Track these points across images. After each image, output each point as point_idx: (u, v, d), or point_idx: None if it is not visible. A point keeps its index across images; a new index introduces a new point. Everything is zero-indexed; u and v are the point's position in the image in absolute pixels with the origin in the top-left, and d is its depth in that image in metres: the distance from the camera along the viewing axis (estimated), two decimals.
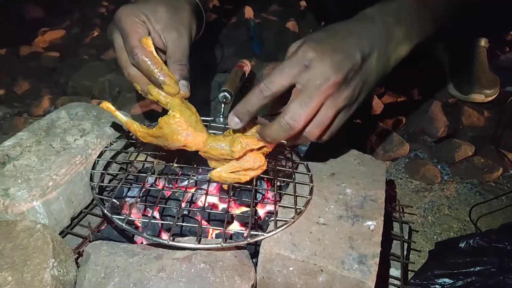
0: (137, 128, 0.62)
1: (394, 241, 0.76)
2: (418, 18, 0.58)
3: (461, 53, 1.28)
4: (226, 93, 0.81)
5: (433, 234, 0.92)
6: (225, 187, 0.66)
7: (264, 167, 0.62)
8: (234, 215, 0.68)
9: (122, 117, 0.64)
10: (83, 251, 0.60)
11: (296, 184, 0.67)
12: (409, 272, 0.78)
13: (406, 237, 0.77)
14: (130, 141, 0.75)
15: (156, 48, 0.62)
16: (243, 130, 0.60)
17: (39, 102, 1.30)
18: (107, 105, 0.63)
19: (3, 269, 0.54)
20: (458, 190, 1.05)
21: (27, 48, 1.55)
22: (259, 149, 0.60)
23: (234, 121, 0.56)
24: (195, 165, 0.69)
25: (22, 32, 1.64)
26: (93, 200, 0.74)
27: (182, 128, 0.60)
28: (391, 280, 0.68)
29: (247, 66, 0.92)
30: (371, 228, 0.60)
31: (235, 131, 0.60)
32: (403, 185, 1.06)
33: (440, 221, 0.96)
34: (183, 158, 0.71)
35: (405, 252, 0.73)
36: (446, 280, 0.72)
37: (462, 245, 0.76)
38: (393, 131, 1.13)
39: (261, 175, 0.66)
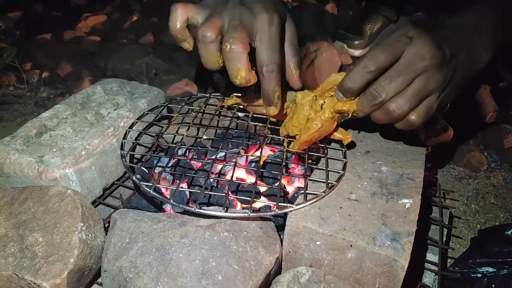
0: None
1: (433, 226, 0.71)
2: (495, 30, 0.63)
3: None
4: None
5: (477, 223, 0.86)
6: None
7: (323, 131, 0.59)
8: (262, 192, 0.66)
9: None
10: None
11: (329, 159, 0.64)
12: (449, 259, 0.74)
13: (446, 223, 0.72)
14: (161, 113, 0.75)
15: None
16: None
17: (80, 83, 1.34)
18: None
19: (35, 231, 0.55)
20: (507, 179, 0.97)
21: (71, 32, 1.60)
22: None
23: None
24: (224, 138, 0.68)
25: (66, 18, 1.69)
26: (125, 172, 0.75)
27: None
28: (427, 265, 0.64)
29: None
30: (406, 206, 0.56)
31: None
32: (445, 172, 0.99)
33: (485, 210, 0.89)
34: (213, 132, 0.71)
35: (444, 238, 0.69)
36: (489, 268, 0.67)
37: (509, 232, 0.70)
38: (436, 115, 1.06)
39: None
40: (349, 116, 0.59)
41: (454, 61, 0.55)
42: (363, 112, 0.57)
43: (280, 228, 0.58)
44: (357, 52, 1.25)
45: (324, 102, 0.59)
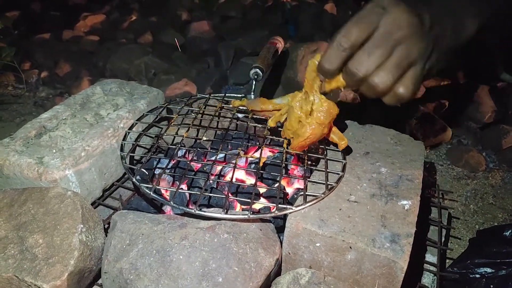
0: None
1: (432, 227, 0.72)
2: (481, 1, 0.59)
3: None
4: (257, 70, 0.79)
5: (475, 223, 0.87)
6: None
7: (318, 132, 0.58)
8: (261, 193, 0.66)
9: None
10: None
11: (328, 160, 0.64)
12: (447, 260, 0.74)
13: (445, 223, 0.72)
14: (161, 114, 0.75)
15: None
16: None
17: (79, 83, 1.34)
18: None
19: (35, 232, 0.55)
20: (505, 179, 0.98)
21: (69, 32, 1.60)
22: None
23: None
24: (224, 139, 0.68)
25: (65, 17, 1.69)
26: (125, 173, 0.75)
27: None
28: (426, 266, 0.64)
29: (280, 43, 0.90)
30: (406, 208, 0.56)
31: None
32: (444, 172, 1.00)
33: (484, 210, 0.90)
34: (212, 133, 0.71)
35: (443, 239, 0.69)
36: (487, 269, 0.67)
37: (507, 233, 0.70)
38: (434, 116, 1.07)
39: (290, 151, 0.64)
40: (344, 89, 0.56)
41: (436, 28, 0.52)
42: (348, 87, 0.54)
43: (280, 229, 0.58)
44: None
45: (314, 100, 0.58)
